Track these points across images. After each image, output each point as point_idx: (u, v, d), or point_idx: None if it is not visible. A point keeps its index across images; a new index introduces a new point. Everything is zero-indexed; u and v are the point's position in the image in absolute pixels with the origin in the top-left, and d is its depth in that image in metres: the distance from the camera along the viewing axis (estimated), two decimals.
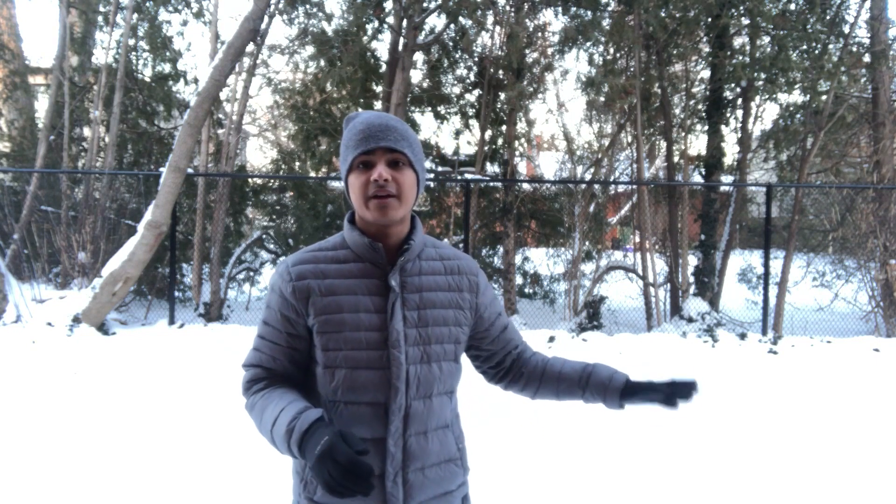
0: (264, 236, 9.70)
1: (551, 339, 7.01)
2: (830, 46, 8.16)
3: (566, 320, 8.30)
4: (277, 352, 1.25)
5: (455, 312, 1.29)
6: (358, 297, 1.22)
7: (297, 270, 1.23)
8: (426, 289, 1.26)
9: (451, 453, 1.28)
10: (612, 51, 8.77)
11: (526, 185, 9.72)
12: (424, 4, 8.32)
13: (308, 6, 8.95)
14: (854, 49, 8.50)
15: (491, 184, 9.38)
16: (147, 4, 8.93)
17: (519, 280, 9.38)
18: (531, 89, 9.15)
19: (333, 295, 1.21)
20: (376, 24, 9.01)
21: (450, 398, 1.30)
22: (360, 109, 9.91)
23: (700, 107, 9.19)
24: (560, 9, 8.67)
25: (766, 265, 7.83)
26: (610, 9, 8.52)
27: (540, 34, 9.50)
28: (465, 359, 1.38)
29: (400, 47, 8.60)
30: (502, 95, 9.11)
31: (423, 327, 1.23)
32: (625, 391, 1.35)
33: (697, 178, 9.36)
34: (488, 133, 9.58)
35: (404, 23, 8.40)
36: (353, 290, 1.22)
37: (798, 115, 8.52)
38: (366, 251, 1.24)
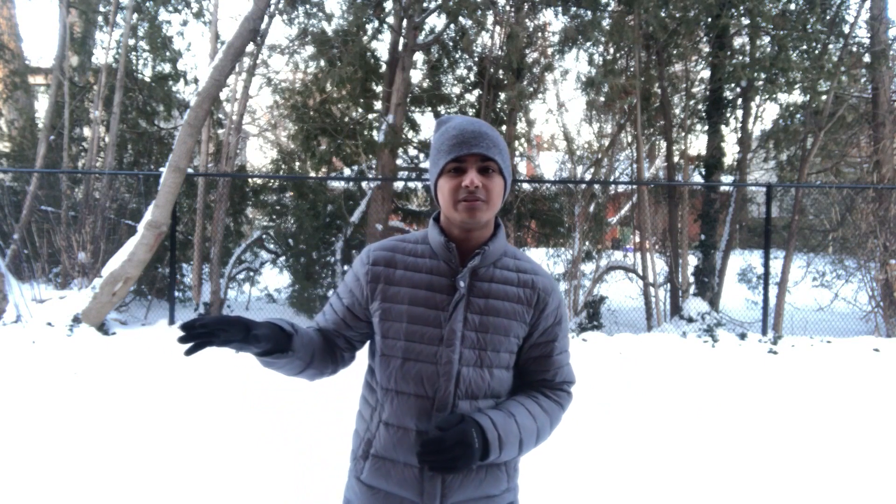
0: (264, 236, 9.70)
1: None
2: (830, 46, 8.16)
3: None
4: (331, 315, 1.37)
5: (518, 325, 1.30)
6: (424, 291, 1.27)
7: (375, 256, 1.33)
8: (493, 296, 1.28)
9: None
10: (612, 51, 8.75)
11: (526, 185, 9.71)
12: (424, 4, 8.32)
13: (308, 6, 8.95)
14: (854, 49, 8.50)
15: None
16: (147, 4, 8.93)
17: None
18: (531, 89, 9.14)
19: (400, 286, 1.28)
20: (376, 24, 9.00)
21: (497, 403, 1.29)
22: (360, 109, 9.96)
23: (700, 107, 9.18)
24: (560, 9, 8.67)
25: (766, 265, 7.83)
26: (610, 9, 8.51)
27: (540, 34, 9.50)
28: None
29: (400, 47, 8.60)
30: (502, 95, 9.11)
31: (482, 332, 1.26)
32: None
33: (697, 178, 9.35)
34: None
35: (404, 23, 8.40)
36: (421, 285, 1.27)
37: (798, 115, 8.52)
38: (441, 250, 1.29)
